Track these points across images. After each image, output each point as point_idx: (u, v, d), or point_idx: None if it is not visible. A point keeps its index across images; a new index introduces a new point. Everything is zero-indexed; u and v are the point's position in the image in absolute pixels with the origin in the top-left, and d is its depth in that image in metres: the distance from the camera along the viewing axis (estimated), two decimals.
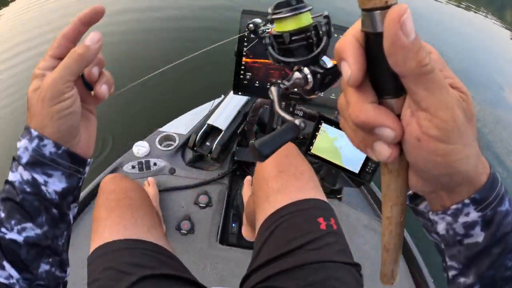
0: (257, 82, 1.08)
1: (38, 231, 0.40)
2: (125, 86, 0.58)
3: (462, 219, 0.32)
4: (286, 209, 0.75)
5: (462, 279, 0.35)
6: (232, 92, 1.65)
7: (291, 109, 1.29)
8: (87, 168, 0.47)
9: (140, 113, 2.47)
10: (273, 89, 0.39)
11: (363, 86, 0.28)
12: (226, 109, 1.60)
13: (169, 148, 1.61)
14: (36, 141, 0.40)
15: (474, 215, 0.32)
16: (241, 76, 1.08)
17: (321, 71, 0.35)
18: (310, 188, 0.79)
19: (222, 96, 1.75)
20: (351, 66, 0.26)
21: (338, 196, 1.57)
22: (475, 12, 6.85)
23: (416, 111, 0.26)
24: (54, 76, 0.39)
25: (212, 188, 1.50)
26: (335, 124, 1.28)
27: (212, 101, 1.79)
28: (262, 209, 0.80)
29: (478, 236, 0.32)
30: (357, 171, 1.33)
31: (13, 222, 0.39)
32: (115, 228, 0.77)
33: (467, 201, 0.31)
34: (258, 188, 0.84)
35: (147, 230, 0.79)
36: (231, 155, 1.64)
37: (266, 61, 1.05)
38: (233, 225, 1.43)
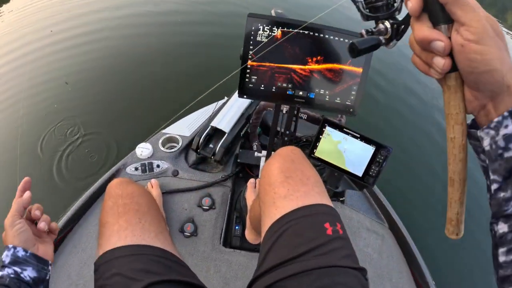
0: (262, 86, 1.08)
1: None
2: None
3: (502, 131, 0.39)
4: (293, 215, 0.75)
5: (502, 194, 0.40)
6: (235, 94, 1.66)
7: (295, 112, 1.29)
8: (50, 267, 0.72)
9: (143, 114, 2.48)
10: (363, 31, 0.51)
11: (421, 17, 0.42)
12: (230, 112, 1.60)
13: (172, 150, 1.61)
14: (12, 250, 0.65)
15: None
16: (247, 80, 1.08)
17: (397, 22, 0.48)
18: (316, 193, 0.79)
19: (225, 98, 1.75)
20: (412, 2, 0.41)
21: (340, 199, 1.57)
22: None
23: (458, 28, 0.39)
24: (8, 216, 0.70)
25: (215, 191, 1.50)
26: (339, 128, 1.28)
27: (215, 103, 1.79)
28: (268, 214, 0.80)
29: None
30: (360, 174, 1.33)
31: None
32: (122, 233, 0.76)
33: (506, 113, 0.39)
34: (265, 193, 0.84)
35: (154, 236, 0.79)
36: (234, 157, 1.64)
37: (272, 64, 1.05)
38: (236, 227, 1.42)
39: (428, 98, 3.40)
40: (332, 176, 1.45)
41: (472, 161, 0.45)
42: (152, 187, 1.44)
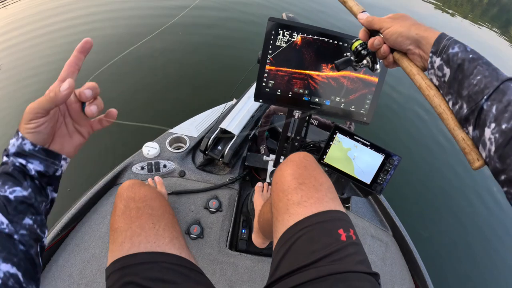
0: (279, 90, 1.08)
1: (25, 193, 0.54)
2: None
3: (435, 65, 0.60)
4: (307, 221, 0.74)
5: (456, 106, 0.57)
6: (245, 96, 1.66)
7: (307, 118, 1.29)
8: (63, 162, 0.61)
9: (151, 113, 2.46)
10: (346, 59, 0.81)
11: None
12: (239, 114, 1.60)
13: (180, 150, 1.60)
14: (20, 140, 0.55)
15: (437, 60, 0.59)
16: (263, 84, 1.08)
17: (370, 54, 0.76)
18: (330, 199, 0.79)
19: (234, 100, 1.74)
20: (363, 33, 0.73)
21: (346, 205, 1.58)
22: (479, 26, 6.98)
23: (382, 30, 0.68)
24: (31, 106, 0.54)
25: (222, 193, 1.49)
26: (350, 135, 1.29)
27: (224, 104, 1.79)
28: (281, 220, 0.80)
29: (447, 71, 0.58)
30: (368, 182, 1.33)
31: (6, 186, 0.52)
32: (136, 240, 0.75)
33: (430, 54, 0.60)
34: (278, 199, 0.83)
35: (169, 241, 0.78)
36: (242, 160, 1.63)
37: (291, 69, 1.05)
38: (243, 231, 1.42)
39: (427, 104, 3.42)
40: (339, 182, 1.45)
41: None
42: (154, 183, 1.42)
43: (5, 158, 0.56)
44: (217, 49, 3.27)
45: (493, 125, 0.50)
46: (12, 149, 0.56)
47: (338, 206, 0.79)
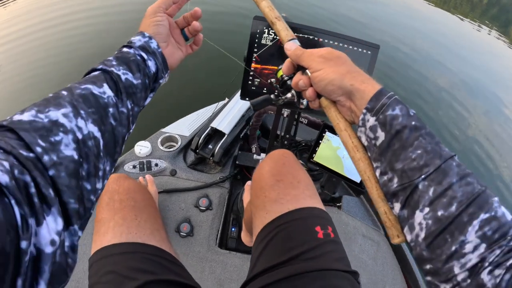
0: (265, 88, 1.09)
1: (134, 81, 0.58)
2: None
3: (367, 124, 0.50)
4: (283, 218, 0.75)
5: (384, 177, 0.48)
6: (236, 95, 1.66)
7: (296, 116, 1.29)
8: (167, 75, 0.69)
9: (143, 112, 2.46)
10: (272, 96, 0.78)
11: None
12: (230, 113, 1.60)
13: (171, 149, 1.61)
14: (147, 38, 0.63)
15: (372, 119, 0.49)
16: (249, 82, 1.08)
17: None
18: (307, 197, 0.79)
19: (226, 99, 1.75)
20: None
21: (337, 204, 1.58)
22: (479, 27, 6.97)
23: (308, 69, 0.57)
24: (153, 5, 0.66)
25: (212, 192, 1.49)
26: None
27: (216, 104, 1.79)
28: (259, 217, 0.80)
29: (381, 135, 0.48)
30: (358, 181, 1.33)
31: (121, 68, 0.56)
32: (118, 230, 0.76)
33: (364, 110, 0.50)
34: (256, 196, 0.84)
35: (150, 233, 0.79)
36: (233, 159, 1.64)
37: (276, 67, 1.05)
38: (233, 229, 1.42)
39: (429, 105, 3.42)
40: (330, 181, 1.45)
41: None
42: (145, 182, 1.43)
43: (125, 49, 0.61)
44: (211, 47, 3.27)
45: (427, 209, 0.43)
46: (137, 43, 0.62)
47: (316, 203, 0.79)
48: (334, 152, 1.32)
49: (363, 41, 1.05)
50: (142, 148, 1.56)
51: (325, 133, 1.31)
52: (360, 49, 1.05)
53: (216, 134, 1.55)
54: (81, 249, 1.26)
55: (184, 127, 1.72)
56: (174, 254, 0.81)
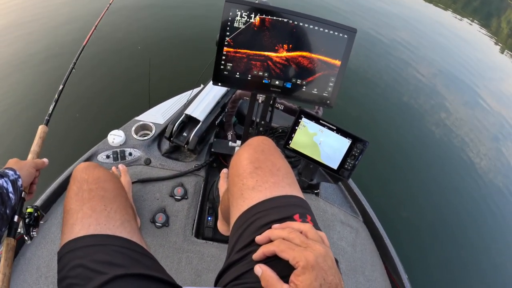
0: (238, 73, 1.05)
1: None
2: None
3: None
4: (261, 206, 0.72)
5: None
6: (211, 82, 1.62)
7: (271, 102, 1.27)
8: (15, 174, 0.82)
9: (116, 100, 2.40)
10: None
11: None
12: (205, 100, 1.57)
13: (145, 137, 1.56)
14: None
15: None
16: (222, 67, 1.05)
17: None
18: (286, 185, 0.77)
19: (202, 86, 1.71)
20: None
21: (315, 191, 1.57)
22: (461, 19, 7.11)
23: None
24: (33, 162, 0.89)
25: (188, 180, 1.46)
26: (316, 119, 1.27)
27: (191, 91, 1.75)
28: (236, 205, 0.77)
29: None
30: (335, 167, 1.33)
31: None
32: (86, 222, 0.72)
33: None
34: (233, 184, 0.81)
35: (120, 224, 0.76)
36: (208, 147, 1.61)
37: (249, 51, 1.02)
38: (209, 218, 1.40)
39: (407, 94, 3.46)
40: (307, 168, 1.44)
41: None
42: (118, 172, 1.38)
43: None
44: (185, 31, 3.19)
45: None
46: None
47: (295, 191, 0.77)
48: (310, 139, 1.31)
49: (340, 25, 1.03)
50: (115, 137, 1.51)
51: (301, 119, 1.29)
52: (336, 33, 1.03)
53: (190, 121, 1.51)
54: (56, 244, 1.21)
55: (158, 114, 1.67)
56: (146, 246, 0.78)
